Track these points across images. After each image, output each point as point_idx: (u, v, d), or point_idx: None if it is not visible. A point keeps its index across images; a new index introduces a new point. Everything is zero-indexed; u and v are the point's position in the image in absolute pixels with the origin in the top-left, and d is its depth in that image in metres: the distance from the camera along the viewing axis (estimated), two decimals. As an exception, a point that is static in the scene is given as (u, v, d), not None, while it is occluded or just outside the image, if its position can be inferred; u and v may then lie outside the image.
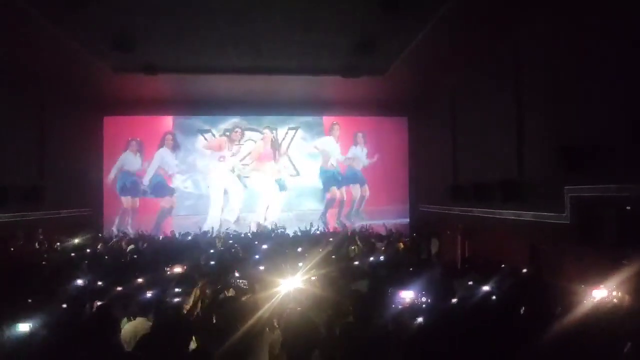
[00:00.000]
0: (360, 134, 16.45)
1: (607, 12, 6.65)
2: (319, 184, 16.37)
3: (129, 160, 15.88)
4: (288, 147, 16.36)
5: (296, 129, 16.41)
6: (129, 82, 12.56)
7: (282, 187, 16.21)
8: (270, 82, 12.75)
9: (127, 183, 15.82)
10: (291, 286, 4.95)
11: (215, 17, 8.50)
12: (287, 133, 16.38)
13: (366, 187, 16.30)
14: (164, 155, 16.02)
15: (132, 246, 10.80)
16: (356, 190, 16.31)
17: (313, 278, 5.59)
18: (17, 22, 8.43)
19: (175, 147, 16.04)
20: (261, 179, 16.16)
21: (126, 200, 15.77)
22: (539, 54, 8.38)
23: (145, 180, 15.83)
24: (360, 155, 16.44)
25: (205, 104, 15.30)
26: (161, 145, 15.98)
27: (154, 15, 8.42)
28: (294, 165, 16.41)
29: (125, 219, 15.62)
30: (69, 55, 10.20)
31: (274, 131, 16.32)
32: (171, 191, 15.91)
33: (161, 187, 15.89)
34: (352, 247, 10.44)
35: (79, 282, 5.94)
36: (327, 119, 16.48)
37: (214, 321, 4.14)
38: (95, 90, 13.73)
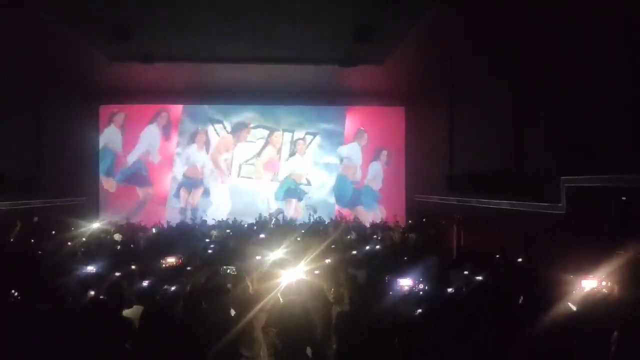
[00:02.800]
0: (385, 152, 16.06)
1: (609, 2, 6.63)
2: (330, 197, 15.91)
3: (112, 136, 14.81)
4: (304, 152, 15.86)
5: (314, 134, 15.92)
6: (125, 71, 12.45)
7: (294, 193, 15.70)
8: (267, 72, 12.64)
9: (108, 162, 14.89)
10: (292, 277, 4.95)
11: (213, 6, 8.42)
12: (303, 138, 15.83)
13: (378, 211, 15.59)
14: (151, 137, 14.83)
15: (119, 235, 10.70)
16: (368, 214, 15.35)
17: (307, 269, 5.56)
18: (13, 11, 8.30)
19: (166, 129, 14.88)
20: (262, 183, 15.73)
21: (107, 182, 14.99)
22: (539, 45, 8.34)
23: (127, 162, 15.01)
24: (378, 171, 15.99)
25: (202, 93, 15.19)
26: (152, 122, 14.79)
27: (151, 4, 8.33)
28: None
29: (107, 204, 14.93)
30: (65, 44, 10.10)
31: (292, 134, 15.75)
32: (148, 182, 15.09)
33: (138, 176, 14.92)
34: (348, 237, 10.50)
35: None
36: (349, 126, 15.98)
37: (206, 311, 4.17)
38: (92, 79, 13.62)
